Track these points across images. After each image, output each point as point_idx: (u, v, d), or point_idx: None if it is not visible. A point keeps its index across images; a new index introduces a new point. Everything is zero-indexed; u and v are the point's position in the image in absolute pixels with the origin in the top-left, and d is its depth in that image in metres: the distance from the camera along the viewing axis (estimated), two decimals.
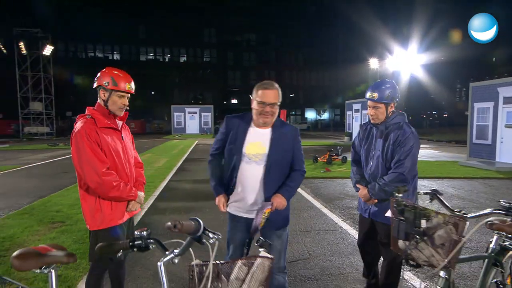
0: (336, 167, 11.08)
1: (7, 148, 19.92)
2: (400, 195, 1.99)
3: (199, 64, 55.11)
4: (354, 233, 4.70)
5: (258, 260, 1.45)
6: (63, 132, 34.25)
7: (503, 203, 2.12)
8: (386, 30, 40.63)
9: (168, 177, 9.04)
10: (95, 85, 2.49)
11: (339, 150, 12.34)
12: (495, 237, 2.21)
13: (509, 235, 2.10)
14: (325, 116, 56.74)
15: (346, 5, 50.23)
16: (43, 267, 1.63)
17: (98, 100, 2.47)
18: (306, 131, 44.43)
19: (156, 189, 7.64)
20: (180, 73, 54.15)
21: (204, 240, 1.41)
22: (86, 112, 2.42)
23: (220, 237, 1.44)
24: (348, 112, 23.91)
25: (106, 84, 2.44)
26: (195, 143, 22.04)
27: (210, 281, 1.34)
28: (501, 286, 2.19)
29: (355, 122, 22.77)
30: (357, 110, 22.36)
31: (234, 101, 57.30)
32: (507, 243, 2.14)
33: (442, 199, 2.26)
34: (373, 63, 35.94)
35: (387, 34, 38.82)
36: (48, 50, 29.90)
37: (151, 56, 54.21)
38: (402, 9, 49.72)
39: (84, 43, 51.30)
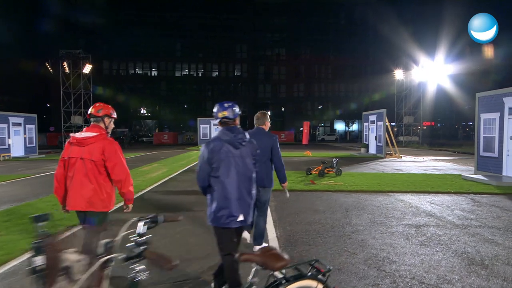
0: (327, 179, 10.65)
1: (43, 158, 21.30)
2: None
3: (230, 78, 56.10)
4: None
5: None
6: None
7: None
8: (413, 40, 39.03)
9: (149, 188, 9.14)
10: (101, 114, 3.32)
11: (334, 162, 11.86)
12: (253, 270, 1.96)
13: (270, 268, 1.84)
14: (354, 127, 55.18)
15: (374, 17, 49.09)
16: None
17: (99, 124, 3.30)
18: (333, 143, 43.40)
19: None
20: (212, 87, 55.44)
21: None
22: (95, 131, 3.24)
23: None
24: (365, 124, 23.07)
25: (111, 114, 3.39)
26: None
27: None
28: None
29: (371, 133, 21.90)
30: (372, 122, 21.51)
31: (269, 112, 57.39)
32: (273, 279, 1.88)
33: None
34: (399, 74, 34.61)
35: (414, 44, 37.25)
36: (87, 68, 31.88)
37: (185, 72, 56.02)
38: (429, 18, 47.59)
39: (126, 61, 54.16)
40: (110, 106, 3.43)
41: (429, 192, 8.63)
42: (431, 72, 31.26)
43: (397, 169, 13.85)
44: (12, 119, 21.13)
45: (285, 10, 53.77)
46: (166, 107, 55.31)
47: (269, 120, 4.52)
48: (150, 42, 51.25)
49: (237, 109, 2.90)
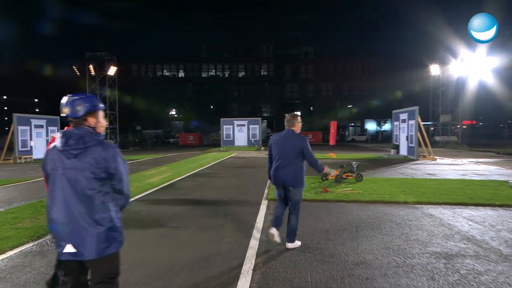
0: (344, 186, 9.21)
1: None
2: None
3: (256, 78, 55.08)
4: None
5: None
6: (125, 145, 36.40)
7: None
8: (451, 30, 35.92)
9: (139, 196, 8.15)
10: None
11: (355, 166, 10.37)
12: None
13: None
14: (386, 127, 52.22)
15: (407, 8, 46.10)
16: None
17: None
18: (363, 143, 41.10)
19: None
20: (238, 87, 54.70)
21: None
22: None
23: None
24: (395, 123, 21.09)
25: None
26: (229, 156, 21.25)
27: None
28: None
29: (402, 133, 19.94)
30: (404, 120, 19.56)
31: (298, 113, 55.82)
32: None
33: None
34: (435, 69, 31.97)
35: (452, 35, 34.22)
36: (112, 70, 32.03)
37: (212, 73, 55.69)
38: (470, 4, 43.83)
39: (153, 64, 54.71)
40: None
41: (466, 205, 7.00)
42: (472, 66, 28.41)
43: (429, 174, 12.07)
44: (34, 121, 21.23)
45: (311, 6, 52.02)
46: (193, 108, 55.30)
47: (300, 121, 4.60)
48: (176, 43, 51.39)
49: (84, 106, 2.23)
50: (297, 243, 4.52)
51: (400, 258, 4.13)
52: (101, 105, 2.36)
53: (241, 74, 55.83)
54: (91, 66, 32.03)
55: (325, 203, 7.29)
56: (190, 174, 12.08)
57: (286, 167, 4.33)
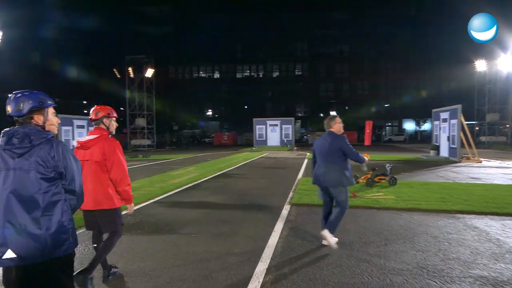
0: (375, 190, 8.44)
1: None
2: None
3: (291, 78, 54.22)
4: None
5: None
6: (162, 145, 37.15)
7: None
8: (500, 21, 33.02)
9: (159, 197, 7.89)
10: (99, 116, 3.37)
11: (388, 169, 9.53)
12: None
13: None
14: (426, 126, 49.29)
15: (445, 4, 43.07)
16: None
17: (100, 126, 3.39)
18: (401, 143, 39.04)
19: None
20: (273, 87, 54.16)
21: None
22: (96, 133, 3.33)
23: None
24: (436, 122, 19.57)
25: (109, 114, 3.40)
26: (259, 156, 20.82)
27: None
28: None
29: (442, 133, 18.45)
30: (444, 120, 18.08)
31: (333, 112, 54.38)
32: None
33: None
34: (480, 64, 29.57)
35: (501, 26, 31.43)
36: (149, 72, 32.75)
37: (246, 73, 55.61)
38: None
39: (190, 65, 55.62)
40: (108, 106, 3.46)
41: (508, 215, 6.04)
42: None
43: (474, 178, 10.88)
44: (77, 122, 22.07)
45: (346, 3, 50.18)
46: (227, 108, 55.53)
47: (338, 122, 4.60)
48: (211, 45, 51.79)
49: (28, 103, 2.03)
50: (333, 239, 4.38)
51: (436, 283, 3.44)
52: (49, 102, 2.11)
53: (275, 74, 55.24)
54: (130, 69, 32.97)
55: (353, 209, 6.60)
56: (217, 175, 11.77)
57: (326, 168, 4.45)
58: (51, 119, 2.12)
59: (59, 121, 2.20)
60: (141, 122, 33.82)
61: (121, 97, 35.74)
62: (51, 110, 2.13)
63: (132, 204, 3.42)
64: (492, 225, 5.48)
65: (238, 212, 6.53)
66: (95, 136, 3.28)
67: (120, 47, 38.62)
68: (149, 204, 7.25)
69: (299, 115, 55.01)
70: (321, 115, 54.85)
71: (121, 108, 53.72)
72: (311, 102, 54.60)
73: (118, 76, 36.18)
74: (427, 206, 6.65)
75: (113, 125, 3.45)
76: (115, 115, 3.46)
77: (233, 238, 4.93)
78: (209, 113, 57.86)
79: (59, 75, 39.21)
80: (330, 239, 4.35)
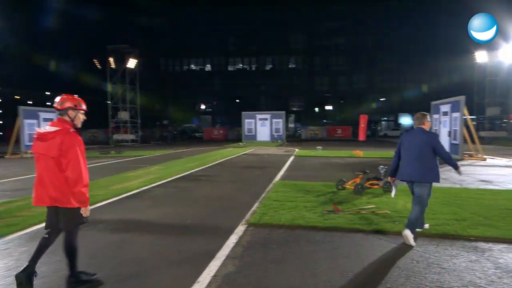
0: (365, 200, 6.52)
1: None
2: None
3: (285, 71, 52.12)
4: None
5: None
6: (147, 140, 35.10)
7: None
8: (501, 9, 31.04)
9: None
10: (64, 106, 3.03)
11: (382, 172, 7.62)
12: None
13: None
14: None
15: None
16: None
17: (64, 118, 3.04)
18: (397, 139, 37.18)
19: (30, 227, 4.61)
20: (266, 81, 52.07)
21: None
22: (57, 126, 2.99)
23: None
24: (435, 116, 17.63)
25: (76, 106, 3.07)
26: (243, 152, 18.86)
27: None
28: None
29: (443, 128, 16.54)
30: (445, 113, 16.16)
31: (329, 107, 52.34)
32: None
33: None
34: (481, 56, 27.62)
35: (502, 17, 29.45)
36: (132, 63, 30.57)
37: (239, 66, 53.47)
38: None
39: (180, 58, 53.31)
40: (77, 97, 3.11)
41: None
42: None
43: (484, 181, 8.98)
44: (43, 115, 19.91)
45: None
46: (220, 102, 53.41)
47: (429, 120, 4.57)
48: (203, 36, 49.54)
49: None
50: (412, 238, 4.18)
51: None
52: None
53: (268, 67, 53.13)
54: (111, 59, 30.78)
55: (331, 233, 4.68)
56: (178, 177, 9.77)
57: (414, 163, 4.33)
58: None
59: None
60: (123, 115, 31.73)
61: (104, 90, 33.55)
62: None
63: (88, 207, 3.05)
64: None
65: (166, 240, 4.53)
66: (55, 128, 2.98)
67: (106, 38, 36.23)
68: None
69: (294, 109, 53.04)
70: (316, 109, 52.92)
71: (108, 102, 51.56)
72: (306, 96, 52.59)
73: (99, 67, 33.88)
74: (433, 228, 4.73)
75: (79, 118, 3.14)
76: (83, 107, 3.15)
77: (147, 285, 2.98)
78: (202, 107, 55.73)
79: (33, 65, 36.84)
80: (411, 240, 4.16)
